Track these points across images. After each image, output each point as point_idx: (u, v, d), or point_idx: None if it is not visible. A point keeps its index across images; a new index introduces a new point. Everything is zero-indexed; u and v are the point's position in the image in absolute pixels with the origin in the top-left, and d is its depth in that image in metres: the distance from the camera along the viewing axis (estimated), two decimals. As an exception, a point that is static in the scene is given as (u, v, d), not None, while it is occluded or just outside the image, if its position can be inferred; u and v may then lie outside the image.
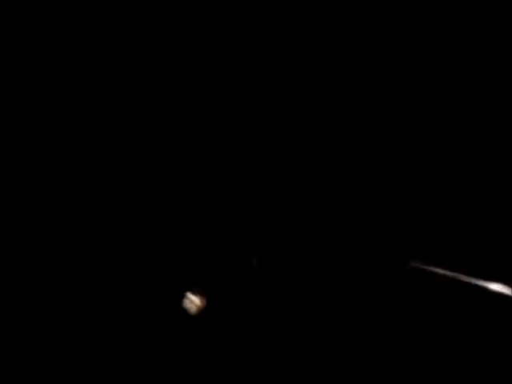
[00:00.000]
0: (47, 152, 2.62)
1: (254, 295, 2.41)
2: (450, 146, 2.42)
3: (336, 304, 2.40)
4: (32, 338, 2.52)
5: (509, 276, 2.30)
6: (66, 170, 2.62)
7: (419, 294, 2.36)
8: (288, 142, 2.59)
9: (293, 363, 2.36)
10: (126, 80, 2.62)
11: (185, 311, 2.36)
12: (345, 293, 2.41)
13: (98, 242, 2.55)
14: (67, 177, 2.62)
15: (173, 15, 2.60)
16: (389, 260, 2.41)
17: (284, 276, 2.45)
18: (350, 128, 2.56)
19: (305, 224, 2.51)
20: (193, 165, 2.58)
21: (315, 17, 2.56)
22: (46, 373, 2.49)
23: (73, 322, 2.49)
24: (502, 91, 2.45)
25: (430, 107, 2.49)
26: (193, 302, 2.34)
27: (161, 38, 2.61)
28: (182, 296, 2.39)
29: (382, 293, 2.39)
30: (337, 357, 2.36)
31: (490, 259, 2.36)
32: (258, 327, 2.39)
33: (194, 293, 2.35)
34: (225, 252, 2.57)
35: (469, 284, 2.31)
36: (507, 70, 2.44)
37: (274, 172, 2.54)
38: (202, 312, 2.33)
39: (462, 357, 2.29)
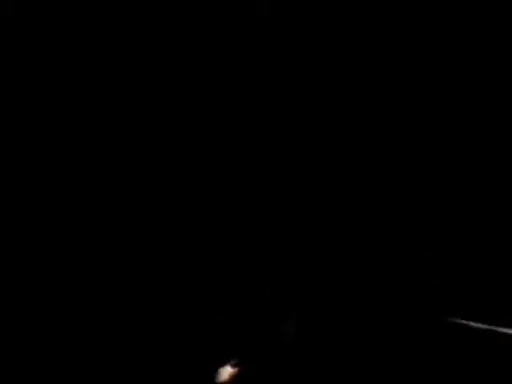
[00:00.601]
0: (47, 152, 2.62)
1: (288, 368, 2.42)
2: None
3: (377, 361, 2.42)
4: (32, 337, 2.52)
5: None
6: (67, 170, 2.62)
7: (456, 347, 2.37)
8: (289, 143, 2.59)
9: None
10: (127, 80, 2.62)
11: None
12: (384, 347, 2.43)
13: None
14: (68, 177, 2.62)
15: (173, 15, 2.60)
16: (427, 316, 2.43)
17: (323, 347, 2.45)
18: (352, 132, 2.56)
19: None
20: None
21: (315, 17, 2.56)
22: (45, 373, 2.49)
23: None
24: (502, 92, 2.45)
25: (446, 120, 2.48)
26: (222, 374, 2.34)
27: (161, 37, 2.61)
28: (214, 370, 2.40)
29: (421, 347, 2.40)
30: None
31: None
32: None
33: (225, 365, 2.35)
34: (225, 252, 2.57)
35: (504, 335, 2.32)
36: (507, 71, 2.44)
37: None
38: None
39: None
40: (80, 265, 2.57)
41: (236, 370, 2.31)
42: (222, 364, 2.44)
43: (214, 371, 2.45)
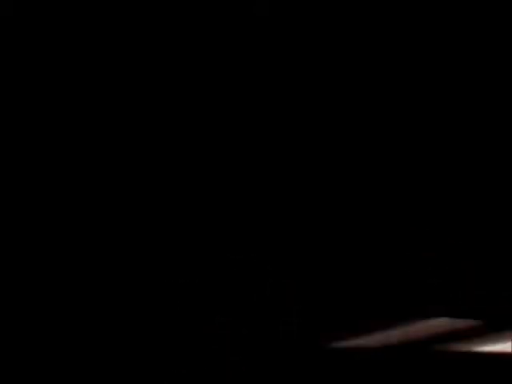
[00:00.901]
0: (47, 152, 2.62)
1: None
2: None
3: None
4: (32, 337, 2.52)
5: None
6: (66, 170, 2.62)
7: (339, 371, 2.39)
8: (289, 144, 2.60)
9: None
10: (126, 80, 2.63)
11: None
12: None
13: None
14: (67, 177, 2.62)
15: (173, 15, 2.60)
16: (308, 342, 2.45)
17: None
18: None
19: None
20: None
21: (315, 17, 2.56)
22: (45, 373, 2.49)
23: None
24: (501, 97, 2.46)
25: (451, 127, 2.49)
26: None
27: (160, 37, 2.61)
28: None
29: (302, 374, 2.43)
30: None
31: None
32: None
33: None
34: (226, 252, 2.57)
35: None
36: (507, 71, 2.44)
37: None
38: None
39: None
40: (79, 264, 2.57)
41: None
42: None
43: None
